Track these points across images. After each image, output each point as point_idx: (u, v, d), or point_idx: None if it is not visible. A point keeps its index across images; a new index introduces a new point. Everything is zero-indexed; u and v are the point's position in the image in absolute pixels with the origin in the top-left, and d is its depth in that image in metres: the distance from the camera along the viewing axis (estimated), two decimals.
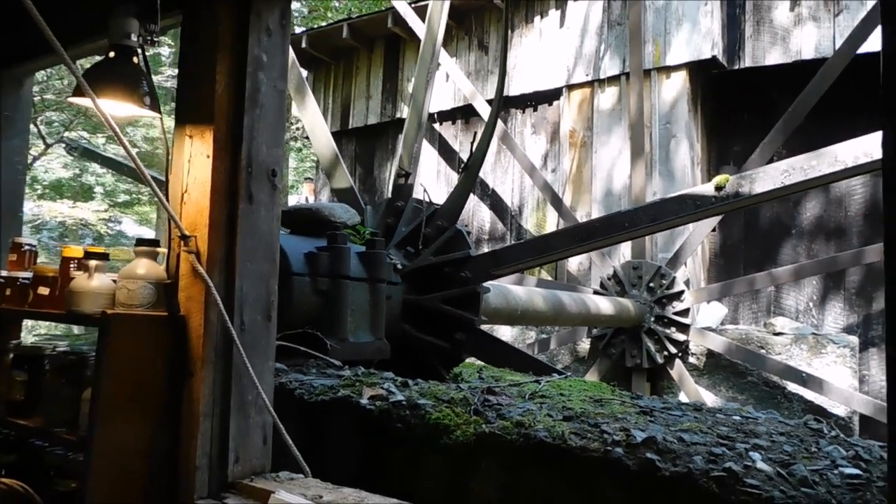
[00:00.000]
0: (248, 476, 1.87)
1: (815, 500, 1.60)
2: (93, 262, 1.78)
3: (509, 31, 7.73)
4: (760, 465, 1.72)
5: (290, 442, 1.90)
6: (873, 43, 4.81)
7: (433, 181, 8.43)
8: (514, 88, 7.67)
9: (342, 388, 2.45)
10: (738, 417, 2.19)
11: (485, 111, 7.20)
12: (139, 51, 1.86)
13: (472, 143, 3.58)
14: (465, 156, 8.40)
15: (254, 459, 1.90)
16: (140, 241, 1.84)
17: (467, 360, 3.50)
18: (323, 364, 2.82)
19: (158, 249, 1.85)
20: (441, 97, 8.11)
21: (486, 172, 8.09)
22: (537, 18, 7.53)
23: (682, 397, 5.89)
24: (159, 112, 1.89)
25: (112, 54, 1.83)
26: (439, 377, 3.47)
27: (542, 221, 7.63)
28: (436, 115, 8.51)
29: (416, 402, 2.24)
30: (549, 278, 7.10)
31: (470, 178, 3.62)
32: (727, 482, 1.66)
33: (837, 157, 2.93)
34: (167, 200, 1.90)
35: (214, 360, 1.82)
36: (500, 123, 7.26)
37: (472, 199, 8.10)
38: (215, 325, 1.82)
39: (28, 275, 2.01)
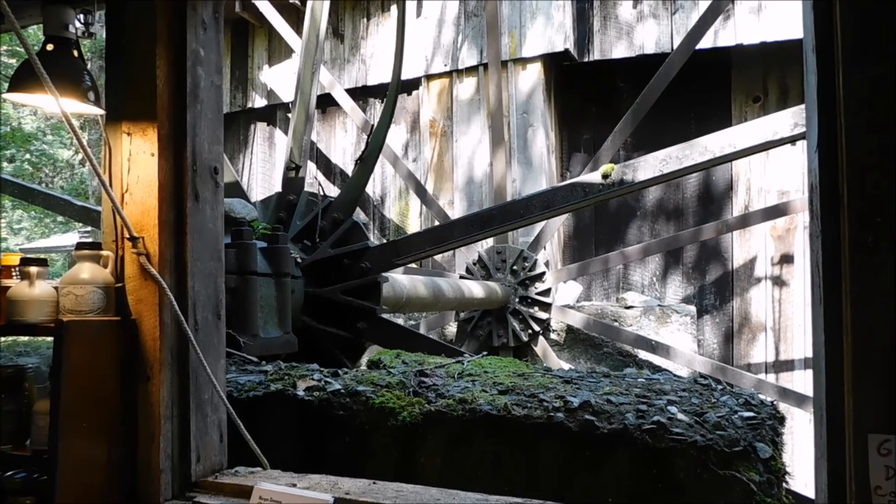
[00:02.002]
0: (210, 474, 1.86)
1: (728, 439, 1.90)
2: (33, 269, 1.68)
3: (367, 20, 7.78)
4: (680, 416, 2.00)
5: (248, 436, 1.91)
6: (707, 40, 5.45)
7: None
8: (371, 78, 7.73)
9: (272, 382, 2.46)
10: (642, 379, 2.49)
11: (344, 101, 7.20)
12: (77, 43, 1.76)
13: (367, 135, 3.64)
14: (322, 146, 8.36)
15: (213, 457, 1.89)
16: (81, 245, 1.76)
17: (380, 348, 3.59)
18: (239, 361, 2.79)
19: (102, 253, 1.77)
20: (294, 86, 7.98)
21: (347, 162, 8.10)
22: (394, 8, 7.64)
23: None
24: (103, 108, 1.80)
25: (50, 47, 1.71)
26: (343, 367, 3.53)
27: (405, 210, 7.79)
28: (290, 105, 8.36)
29: (355, 389, 2.31)
30: (415, 265, 7.28)
31: (366, 169, 3.69)
32: (657, 433, 1.92)
33: (707, 147, 3.36)
34: (102, 201, 1.82)
35: (171, 362, 1.79)
36: (359, 113, 7.31)
37: (332, 189, 8.08)
38: (170, 327, 1.79)
39: None
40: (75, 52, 1.76)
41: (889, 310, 1.19)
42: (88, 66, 1.85)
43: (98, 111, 1.82)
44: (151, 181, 1.79)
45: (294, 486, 1.76)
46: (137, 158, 1.81)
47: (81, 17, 1.79)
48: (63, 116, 1.61)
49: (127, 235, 1.76)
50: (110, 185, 1.82)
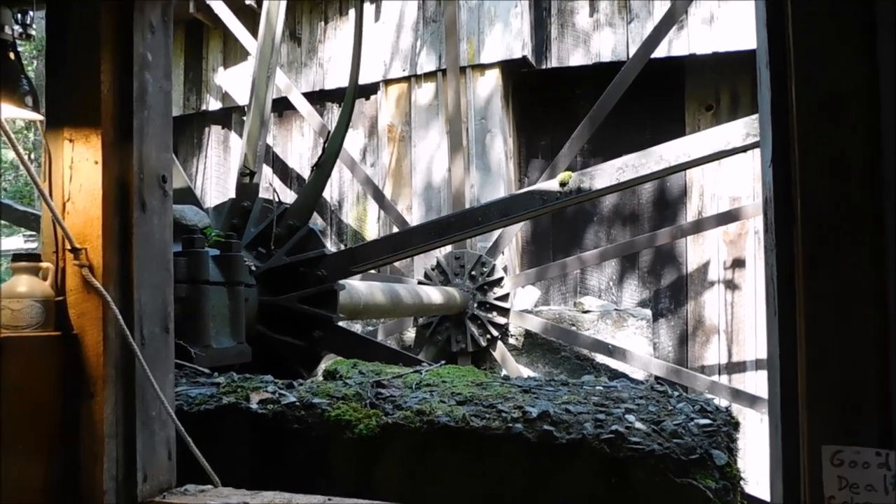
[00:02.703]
0: (157, 494, 1.79)
1: (684, 448, 1.91)
2: None
3: (325, 24, 7.70)
4: (638, 424, 2.00)
5: (198, 453, 1.85)
6: (662, 49, 5.54)
7: None
8: (329, 82, 7.65)
9: (224, 395, 2.39)
10: (600, 387, 2.49)
11: (301, 105, 7.11)
12: (14, 45, 1.67)
13: (324, 140, 3.59)
14: (279, 150, 8.24)
15: (161, 476, 1.82)
16: (17, 257, 1.67)
17: (337, 357, 3.53)
18: (190, 372, 2.71)
19: (41, 264, 1.69)
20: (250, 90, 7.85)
21: (303, 167, 8.00)
22: (352, 12, 7.58)
23: (504, 375, 6.35)
24: (42, 114, 1.72)
25: None
26: (299, 377, 3.46)
27: (362, 215, 7.73)
28: (246, 108, 8.22)
29: (310, 401, 2.26)
30: (374, 271, 7.23)
31: (322, 176, 3.63)
32: (616, 442, 1.92)
33: (662, 155, 3.40)
34: (42, 211, 1.75)
35: (116, 378, 1.72)
36: (316, 117, 7.23)
37: (289, 194, 7.97)
38: (114, 342, 1.71)
39: None
40: (12, 55, 1.68)
41: (841, 323, 1.21)
42: (34, 65, 1.76)
43: (37, 116, 1.74)
44: (95, 190, 1.71)
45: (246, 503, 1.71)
46: (80, 166, 1.73)
47: (19, 17, 1.71)
48: None
49: (68, 247, 1.68)
50: (51, 193, 1.74)
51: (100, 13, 1.75)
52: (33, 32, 1.74)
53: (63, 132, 1.75)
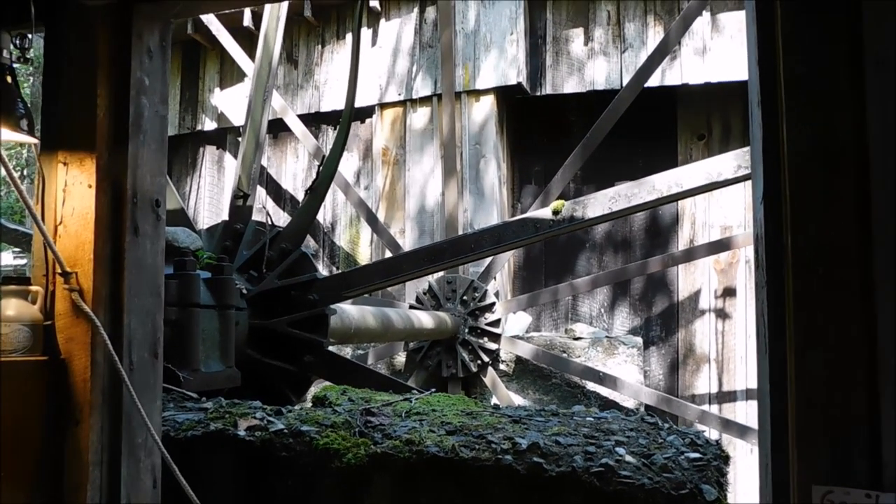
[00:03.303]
0: None
1: (674, 482, 1.90)
2: None
3: (321, 47, 7.75)
4: (628, 458, 1.99)
5: (183, 481, 1.83)
6: (655, 79, 5.61)
7: None
8: (325, 105, 7.69)
9: (212, 420, 2.37)
10: (591, 418, 2.48)
11: (296, 127, 7.14)
12: (12, 68, 1.68)
13: (319, 163, 3.59)
14: (273, 172, 8.25)
15: None
16: (7, 280, 1.66)
17: (327, 382, 3.50)
18: (178, 397, 2.68)
19: (31, 288, 1.68)
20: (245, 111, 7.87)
21: (297, 189, 8.01)
22: (349, 35, 7.64)
23: (494, 402, 6.32)
24: (36, 137, 1.72)
25: None
26: (288, 402, 3.44)
27: (355, 238, 7.72)
28: (241, 129, 8.24)
29: (299, 429, 2.24)
30: (366, 294, 7.20)
31: (316, 199, 3.63)
32: (605, 475, 1.91)
33: (654, 185, 3.43)
34: (33, 233, 1.74)
35: (102, 405, 1.70)
36: (311, 139, 7.25)
37: (282, 216, 7.97)
38: (102, 367, 1.70)
39: None
40: (9, 78, 1.68)
41: (831, 362, 1.21)
42: (30, 81, 1.76)
43: (31, 140, 1.73)
44: (87, 214, 1.71)
45: None
46: (73, 190, 1.73)
47: (17, 41, 1.72)
48: None
49: (59, 270, 1.67)
50: (43, 216, 1.73)
51: (97, 37, 1.76)
52: (31, 56, 1.75)
53: (57, 155, 1.75)
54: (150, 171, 1.85)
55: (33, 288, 1.69)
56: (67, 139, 1.74)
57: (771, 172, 1.29)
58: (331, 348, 3.61)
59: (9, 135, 1.70)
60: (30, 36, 1.71)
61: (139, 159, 1.81)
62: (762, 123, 1.29)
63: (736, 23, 5.91)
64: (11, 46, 1.69)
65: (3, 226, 4.52)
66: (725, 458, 2.26)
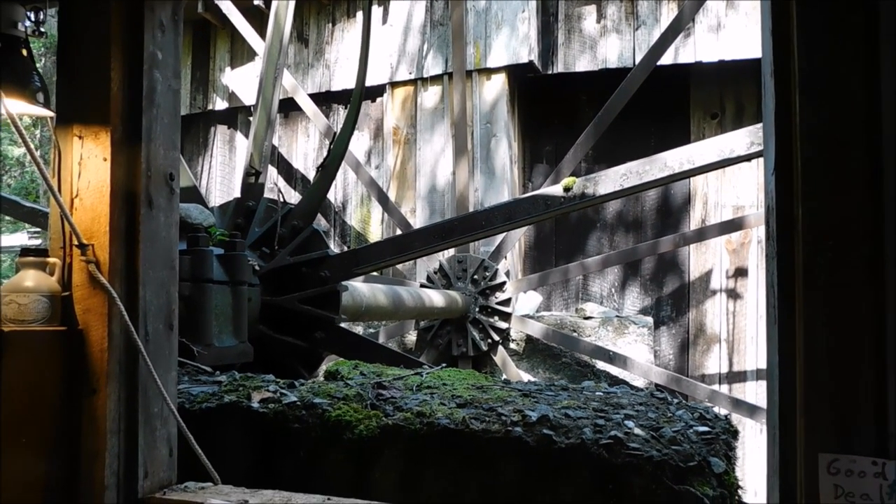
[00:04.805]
0: (157, 490, 1.80)
1: (683, 455, 1.92)
2: None
3: (332, 25, 7.73)
4: (637, 430, 2.01)
5: (199, 450, 1.86)
6: (668, 57, 5.56)
7: None
8: (336, 84, 7.68)
9: (226, 393, 2.40)
10: (600, 393, 2.50)
11: (307, 106, 7.14)
12: (27, 42, 1.69)
13: (330, 142, 3.60)
14: (284, 151, 8.26)
15: (161, 472, 1.83)
16: (26, 251, 1.69)
17: (338, 358, 3.54)
18: (193, 370, 2.72)
19: (49, 260, 1.71)
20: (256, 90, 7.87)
21: (308, 168, 8.02)
22: (359, 14, 7.61)
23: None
24: (52, 110, 1.74)
25: None
26: (299, 377, 3.47)
27: (366, 217, 7.74)
28: (252, 109, 8.25)
29: (311, 401, 2.27)
30: (376, 273, 7.24)
31: (327, 177, 3.65)
32: (614, 448, 1.93)
33: (666, 162, 3.41)
34: (50, 206, 1.76)
35: (118, 375, 1.73)
36: (322, 118, 7.25)
37: (293, 194, 7.99)
38: (118, 338, 1.73)
39: None
40: (24, 52, 1.70)
41: (838, 332, 1.21)
42: (41, 62, 1.78)
43: (48, 113, 1.75)
44: (103, 187, 1.73)
45: (246, 502, 1.72)
46: (89, 163, 1.75)
47: (32, 14, 1.73)
48: (9, 118, 1.55)
49: (76, 242, 1.70)
50: (59, 189, 1.75)
51: (111, 11, 1.76)
52: (45, 30, 1.76)
53: (72, 129, 1.76)
54: (163, 144, 1.86)
55: (51, 260, 1.72)
56: (82, 113, 1.75)
57: (783, 144, 1.29)
58: (341, 325, 3.64)
59: (26, 107, 1.72)
60: (44, 10, 1.72)
61: (153, 133, 1.82)
62: (775, 94, 1.29)
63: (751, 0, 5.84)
64: (26, 20, 1.70)
65: (19, 203, 4.56)
66: (734, 433, 2.27)
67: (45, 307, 1.65)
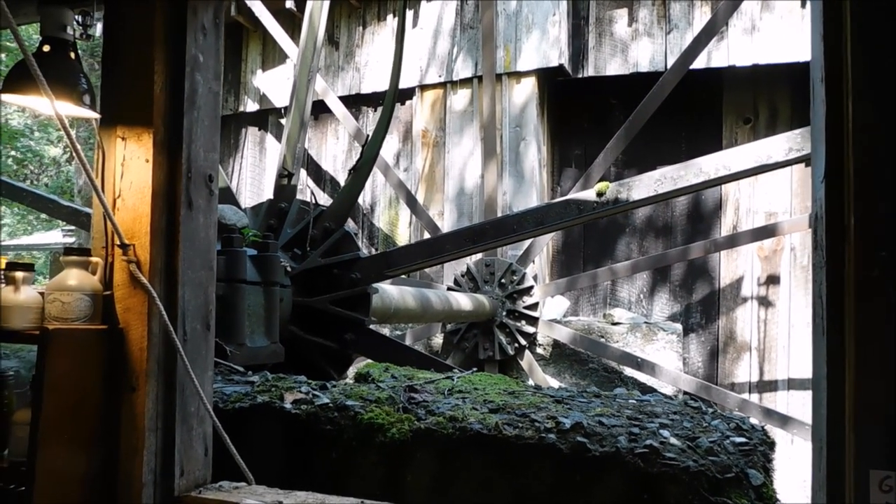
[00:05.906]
0: (193, 488, 1.82)
1: (720, 466, 1.89)
2: (19, 274, 1.63)
3: (362, 28, 7.76)
4: (672, 440, 1.98)
5: (233, 450, 1.87)
6: (701, 61, 5.49)
7: None
8: (366, 86, 7.71)
9: (258, 393, 2.42)
10: (633, 401, 2.47)
11: (337, 108, 7.17)
12: (75, 45, 1.72)
13: (361, 144, 3.62)
14: (313, 153, 8.32)
15: (197, 471, 1.85)
16: (69, 250, 1.72)
17: (367, 360, 3.55)
18: (225, 370, 2.74)
19: (91, 259, 1.73)
20: (289, 92, 7.94)
21: (337, 170, 8.07)
22: (390, 17, 7.64)
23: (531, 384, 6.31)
24: (98, 112, 1.76)
25: (47, 48, 1.68)
26: (329, 378, 3.49)
27: (394, 220, 7.76)
28: (283, 111, 8.32)
29: (343, 403, 2.27)
30: (403, 276, 7.24)
31: (359, 179, 3.66)
32: (650, 457, 1.90)
33: (702, 168, 3.37)
34: (93, 206, 1.79)
35: (157, 373, 1.75)
36: (352, 121, 7.28)
37: (322, 196, 8.04)
38: (157, 337, 1.75)
39: None
40: (72, 55, 1.73)
41: (892, 345, 1.18)
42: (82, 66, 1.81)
43: (93, 115, 1.78)
44: (145, 187, 1.75)
45: (280, 503, 1.72)
46: (131, 164, 1.77)
47: (79, 18, 1.76)
48: (58, 120, 1.57)
49: (117, 242, 1.72)
50: (102, 189, 1.78)
51: (154, 15, 1.79)
52: (92, 33, 1.79)
53: (116, 130, 1.79)
54: (203, 146, 1.88)
55: (93, 259, 1.74)
56: (125, 115, 1.78)
57: (834, 151, 1.26)
58: (371, 327, 3.65)
59: (72, 109, 1.74)
60: (92, 14, 1.75)
61: (193, 134, 1.84)
62: (825, 100, 1.26)
63: (786, 1, 5.75)
64: (75, 24, 1.73)
65: (60, 203, 4.65)
66: (771, 444, 2.23)
67: (88, 306, 1.67)
